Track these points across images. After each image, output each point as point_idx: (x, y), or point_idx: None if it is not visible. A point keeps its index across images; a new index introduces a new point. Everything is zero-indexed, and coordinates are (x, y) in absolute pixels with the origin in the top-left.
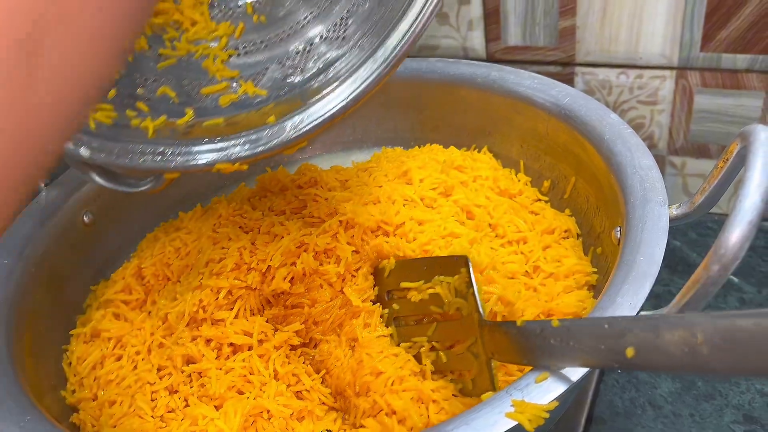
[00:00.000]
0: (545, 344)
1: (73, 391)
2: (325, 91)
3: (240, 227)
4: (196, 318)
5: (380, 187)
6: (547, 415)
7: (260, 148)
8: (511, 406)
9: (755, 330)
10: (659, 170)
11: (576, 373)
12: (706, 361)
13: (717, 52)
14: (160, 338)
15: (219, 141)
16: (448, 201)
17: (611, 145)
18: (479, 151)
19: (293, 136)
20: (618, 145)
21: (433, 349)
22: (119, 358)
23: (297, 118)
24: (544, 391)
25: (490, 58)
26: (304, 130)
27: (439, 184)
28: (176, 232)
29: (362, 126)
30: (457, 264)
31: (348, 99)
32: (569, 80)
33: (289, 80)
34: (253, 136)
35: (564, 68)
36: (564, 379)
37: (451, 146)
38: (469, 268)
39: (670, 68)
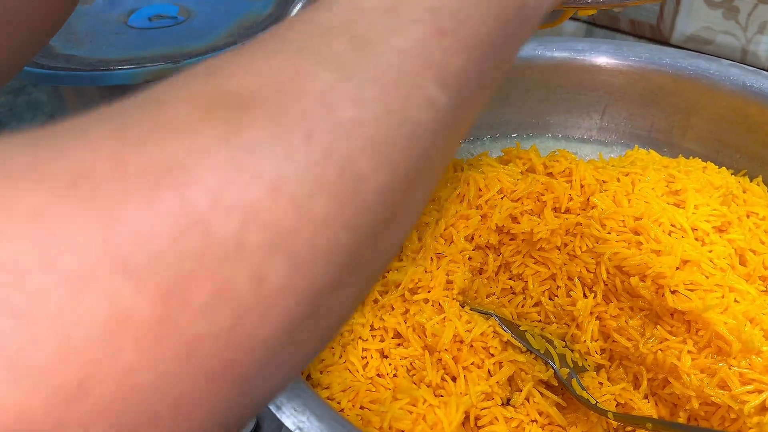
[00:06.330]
0: None
1: None
2: None
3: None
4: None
5: (646, 202)
6: None
7: None
8: None
9: None
10: None
11: None
12: None
13: None
14: (377, 294)
15: None
16: (722, 239)
17: None
18: (750, 180)
19: None
20: None
21: None
22: None
23: None
24: None
25: None
26: None
27: (718, 216)
28: None
29: (612, 113)
30: None
31: None
32: None
33: None
34: None
35: None
36: None
37: (723, 167)
38: None
39: None
